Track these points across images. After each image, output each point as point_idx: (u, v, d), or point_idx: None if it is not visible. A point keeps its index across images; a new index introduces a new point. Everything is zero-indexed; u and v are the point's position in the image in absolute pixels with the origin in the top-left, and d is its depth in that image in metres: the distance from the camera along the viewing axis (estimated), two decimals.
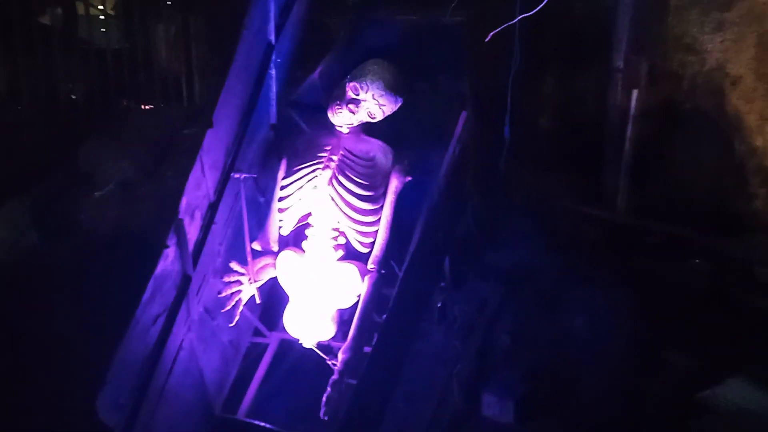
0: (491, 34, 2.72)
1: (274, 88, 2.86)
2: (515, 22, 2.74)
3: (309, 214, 2.69)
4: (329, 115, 2.71)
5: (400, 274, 2.57)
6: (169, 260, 2.30)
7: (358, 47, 3.35)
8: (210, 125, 2.33)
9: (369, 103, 2.67)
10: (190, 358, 2.60)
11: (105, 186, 4.64)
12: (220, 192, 2.57)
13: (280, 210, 2.70)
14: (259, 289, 2.72)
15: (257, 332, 2.96)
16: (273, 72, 2.79)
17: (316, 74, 3.11)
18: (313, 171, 2.64)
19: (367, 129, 2.77)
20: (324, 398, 2.31)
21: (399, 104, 2.73)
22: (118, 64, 5.85)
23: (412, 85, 3.38)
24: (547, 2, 2.87)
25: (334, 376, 2.38)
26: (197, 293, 2.60)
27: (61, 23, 5.97)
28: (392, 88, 2.69)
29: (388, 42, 3.36)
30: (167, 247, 2.26)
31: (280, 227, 2.73)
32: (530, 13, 2.65)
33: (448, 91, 3.22)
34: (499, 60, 3.05)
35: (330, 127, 2.78)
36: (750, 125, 3.68)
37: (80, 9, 6.16)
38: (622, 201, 3.92)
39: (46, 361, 3.25)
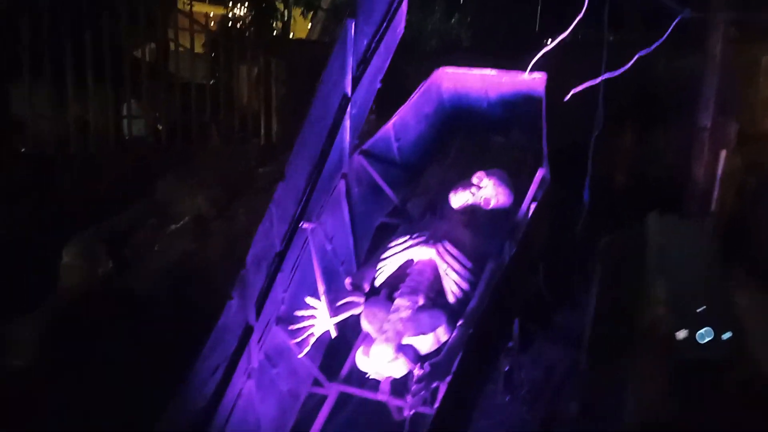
0: (572, 92, 2.64)
1: (347, 138, 2.87)
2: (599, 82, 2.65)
3: (409, 262, 2.70)
4: (450, 195, 2.94)
5: (469, 332, 2.49)
6: (231, 311, 2.30)
7: (434, 99, 3.34)
8: (282, 178, 2.34)
9: (488, 191, 2.92)
10: (247, 406, 2.57)
11: (180, 219, 4.76)
12: (288, 241, 2.58)
13: (383, 258, 2.75)
14: (319, 340, 2.68)
15: (316, 382, 2.92)
16: (347, 123, 2.80)
17: (389, 125, 3.10)
18: (425, 231, 2.78)
19: (475, 222, 2.90)
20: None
21: (511, 201, 2.95)
22: (201, 98, 6.09)
23: (489, 139, 3.36)
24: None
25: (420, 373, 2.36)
26: (259, 341, 2.59)
27: (153, 58, 6.27)
28: (509, 186, 2.96)
29: (465, 95, 3.34)
30: (231, 298, 2.26)
31: (377, 274, 2.74)
32: (615, 72, 2.55)
33: (525, 146, 3.16)
34: (579, 119, 2.96)
35: (433, 199, 3.06)
36: None
37: (171, 45, 6.47)
38: None
39: (107, 390, 3.30)
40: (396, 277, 2.72)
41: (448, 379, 2.40)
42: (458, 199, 2.96)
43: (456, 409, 2.35)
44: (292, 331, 2.65)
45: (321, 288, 2.63)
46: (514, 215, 2.83)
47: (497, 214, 2.95)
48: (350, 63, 2.68)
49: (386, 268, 2.73)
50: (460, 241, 2.74)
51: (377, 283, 2.74)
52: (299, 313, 2.65)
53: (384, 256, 2.78)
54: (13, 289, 3.93)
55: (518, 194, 2.91)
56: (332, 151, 2.75)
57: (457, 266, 2.65)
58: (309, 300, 2.65)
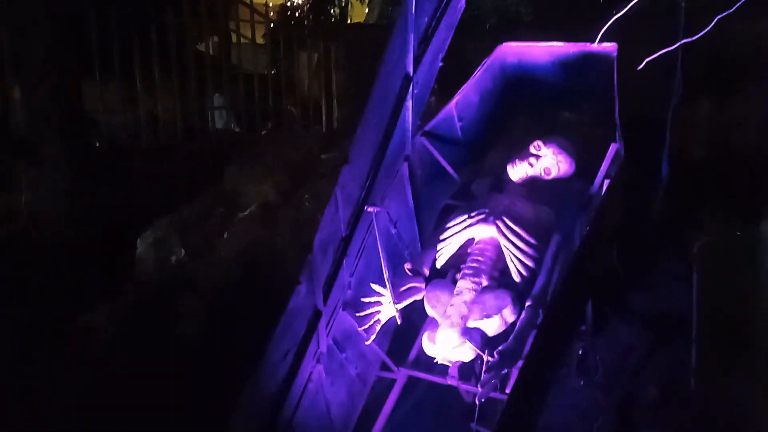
0: (646, 60, 2.50)
1: (409, 119, 2.82)
2: (676, 48, 2.49)
3: (469, 241, 2.64)
4: (508, 168, 2.84)
5: (539, 315, 2.41)
6: (300, 296, 2.31)
7: (498, 75, 3.25)
8: (346, 161, 2.32)
9: (547, 159, 2.80)
10: (317, 390, 2.59)
11: (248, 207, 4.84)
12: (353, 226, 2.56)
13: (442, 240, 2.69)
14: (386, 323, 2.66)
15: (384, 366, 2.90)
16: (410, 103, 2.75)
17: (452, 104, 3.03)
18: (485, 207, 2.68)
19: (537, 195, 2.79)
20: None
21: (573, 169, 2.83)
22: (263, 88, 6.18)
23: (556, 114, 3.24)
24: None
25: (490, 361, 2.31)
26: (327, 326, 2.59)
27: (216, 50, 6.41)
28: (570, 152, 2.83)
29: (530, 70, 3.23)
30: (299, 283, 2.27)
31: (438, 256, 2.69)
32: (693, 38, 2.40)
33: (595, 121, 3.03)
34: (653, 90, 2.81)
35: (497, 178, 2.92)
36: None
37: (233, 37, 6.58)
38: None
39: (182, 376, 3.39)
40: (457, 257, 2.65)
41: (519, 364, 2.34)
42: (517, 171, 2.83)
43: (528, 395, 2.28)
44: (358, 316, 2.63)
45: (386, 273, 2.60)
46: (585, 191, 2.71)
47: (559, 184, 2.82)
48: (411, 42, 2.63)
49: (447, 249, 2.66)
50: (521, 216, 2.62)
51: (438, 265, 2.68)
52: (365, 299, 2.63)
53: (444, 236, 2.70)
54: (90, 279, 4.10)
55: (590, 170, 2.79)
56: (395, 133, 2.71)
57: (519, 243, 2.54)
58: (374, 286, 2.63)
